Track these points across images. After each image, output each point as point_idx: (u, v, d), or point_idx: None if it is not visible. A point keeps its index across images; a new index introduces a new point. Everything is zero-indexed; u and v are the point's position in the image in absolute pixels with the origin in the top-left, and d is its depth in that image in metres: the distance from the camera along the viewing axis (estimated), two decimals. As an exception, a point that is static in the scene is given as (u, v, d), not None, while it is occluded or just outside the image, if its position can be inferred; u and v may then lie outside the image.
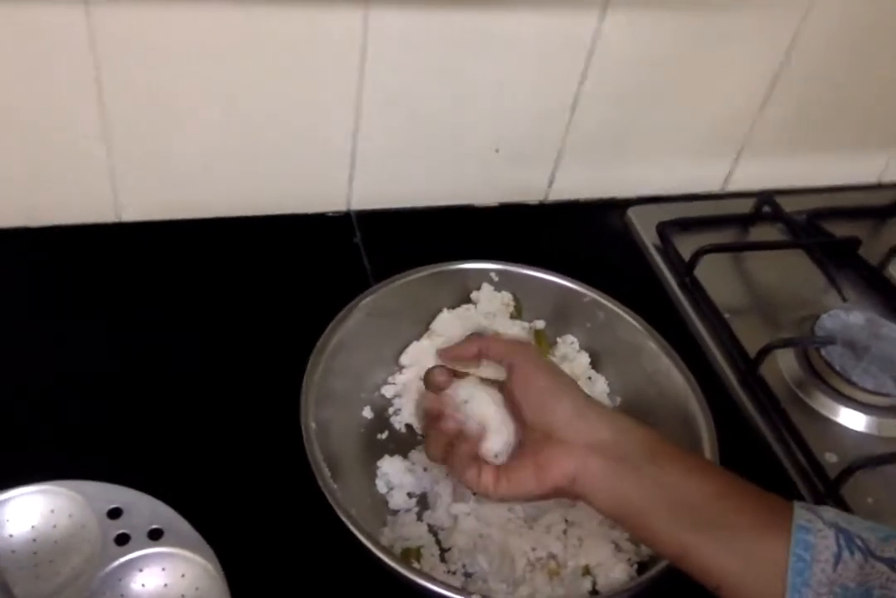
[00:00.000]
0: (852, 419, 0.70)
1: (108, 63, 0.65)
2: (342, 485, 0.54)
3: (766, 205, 0.88)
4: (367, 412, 0.64)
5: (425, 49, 0.72)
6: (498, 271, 0.70)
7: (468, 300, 0.70)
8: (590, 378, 0.69)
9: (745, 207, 0.89)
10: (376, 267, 0.76)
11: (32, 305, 0.68)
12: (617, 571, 0.55)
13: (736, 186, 0.94)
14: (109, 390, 0.63)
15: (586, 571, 0.56)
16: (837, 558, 0.42)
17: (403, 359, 0.67)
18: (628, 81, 0.80)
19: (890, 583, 0.41)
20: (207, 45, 0.66)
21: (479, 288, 0.70)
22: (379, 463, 0.61)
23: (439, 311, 0.69)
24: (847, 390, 0.71)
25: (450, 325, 0.68)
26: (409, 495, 0.60)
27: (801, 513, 0.44)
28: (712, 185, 0.94)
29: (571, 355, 0.70)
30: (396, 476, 0.60)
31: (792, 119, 0.89)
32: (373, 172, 0.80)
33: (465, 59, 0.74)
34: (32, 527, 0.52)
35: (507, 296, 0.71)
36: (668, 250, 0.83)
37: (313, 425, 0.55)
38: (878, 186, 0.99)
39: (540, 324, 0.71)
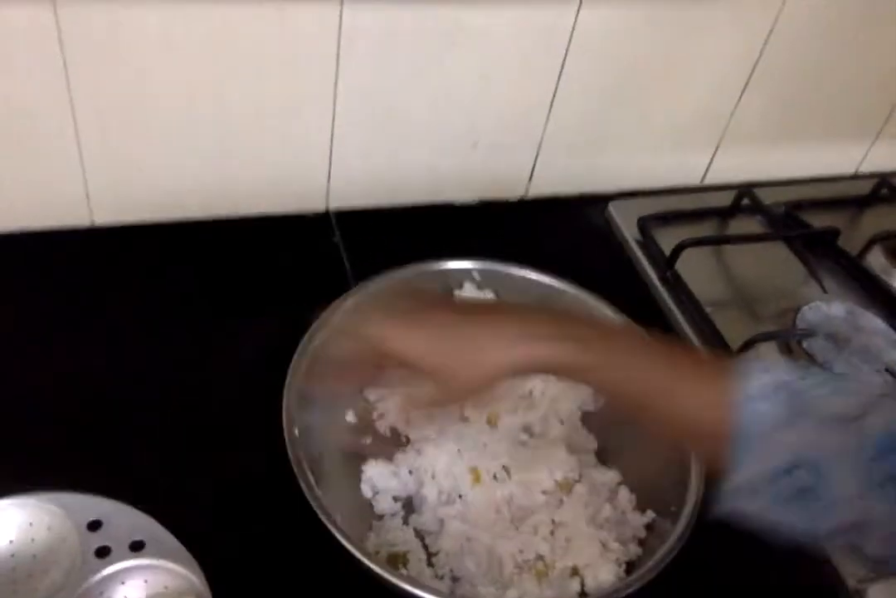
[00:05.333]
0: (835, 411, 0.70)
1: (77, 63, 0.64)
2: (326, 491, 0.53)
3: (746, 197, 0.88)
4: (351, 417, 0.64)
5: (401, 44, 0.71)
6: (480, 270, 0.69)
7: None
8: None
9: (725, 199, 0.89)
10: (356, 267, 0.75)
11: (6, 312, 0.66)
12: (605, 571, 0.55)
13: (715, 178, 0.94)
14: (86, 398, 0.62)
15: (574, 572, 0.56)
16: (788, 423, 0.43)
17: None
18: (606, 75, 0.80)
19: (840, 441, 0.42)
20: (178, 43, 0.65)
21: (461, 287, 0.69)
22: (363, 467, 0.60)
23: None
24: (829, 382, 0.71)
25: None
26: (395, 498, 0.60)
27: (754, 378, 0.44)
28: (692, 178, 0.94)
29: None
30: (381, 480, 0.59)
31: (769, 111, 0.89)
32: (351, 170, 0.79)
33: (441, 55, 0.73)
34: (10, 541, 0.51)
35: (489, 295, 0.70)
36: (648, 245, 0.83)
37: (296, 431, 0.55)
38: (856, 177, 1.00)
39: None
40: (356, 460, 0.61)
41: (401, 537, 0.56)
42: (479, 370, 0.50)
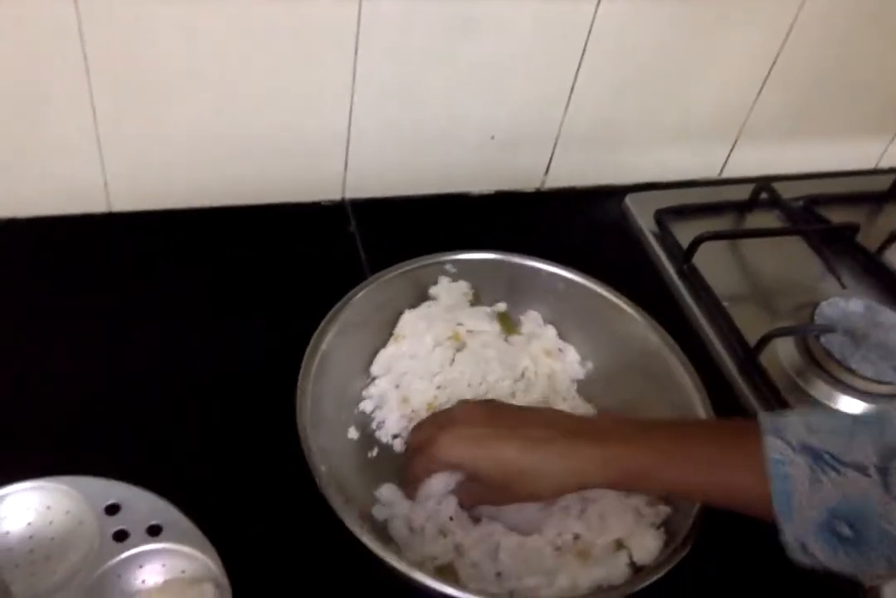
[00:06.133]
0: (852, 407, 0.70)
1: (96, 51, 0.63)
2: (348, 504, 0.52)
3: (764, 191, 0.87)
4: (353, 433, 0.62)
5: (420, 35, 0.71)
6: (453, 262, 0.68)
7: (427, 297, 0.69)
8: (560, 350, 0.69)
9: (743, 193, 0.88)
10: (372, 256, 0.75)
11: (23, 298, 0.67)
12: (648, 538, 0.55)
13: (733, 172, 0.93)
14: (105, 383, 0.62)
15: (619, 545, 0.55)
16: (814, 480, 0.46)
17: (374, 369, 0.65)
18: (625, 68, 0.79)
19: (864, 488, 0.45)
20: (198, 31, 0.65)
21: (436, 282, 0.69)
22: (376, 493, 0.58)
23: (401, 313, 0.67)
24: (847, 378, 0.70)
25: (414, 325, 0.66)
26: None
27: (771, 444, 0.48)
28: (710, 171, 0.93)
29: (538, 331, 0.70)
30: (400, 507, 0.57)
31: (789, 105, 0.88)
32: (368, 159, 0.79)
33: (461, 46, 0.72)
34: (28, 524, 0.51)
35: (464, 285, 0.69)
36: (665, 238, 0.82)
37: (323, 468, 0.53)
38: (875, 172, 0.99)
39: (501, 306, 0.71)
40: (366, 477, 0.59)
41: (440, 547, 0.55)
42: (539, 495, 0.54)
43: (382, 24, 0.69)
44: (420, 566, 0.52)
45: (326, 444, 0.56)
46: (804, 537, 0.46)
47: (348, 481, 0.57)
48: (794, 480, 0.46)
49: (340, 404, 0.62)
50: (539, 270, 0.69)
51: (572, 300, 0.69)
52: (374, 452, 0.62)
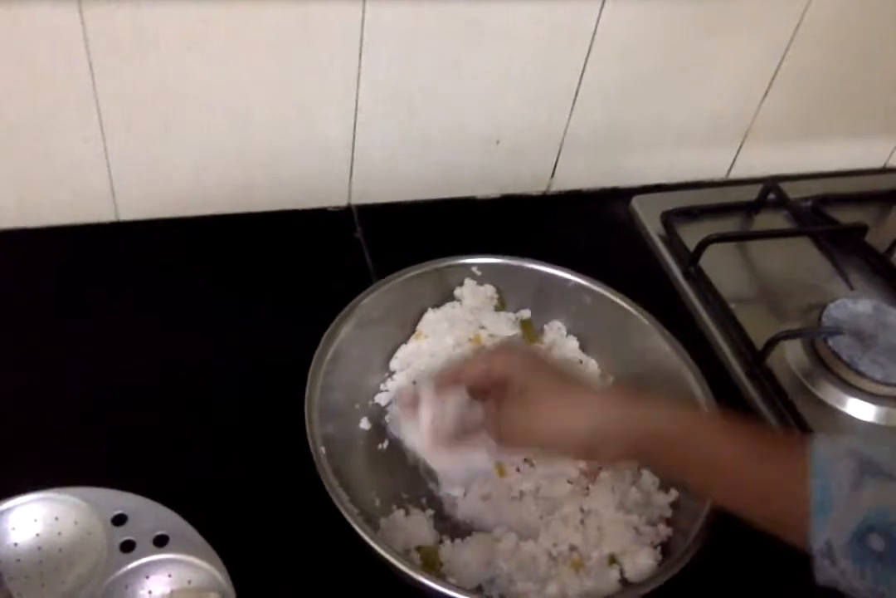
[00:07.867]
0: (860, 410, 0.69)
1: (102, 63, 0.64)
2: (349, 490, 0.53)
3: (771, 192, 0.86)
4: (365, 424, 0.63)
5: (424, 41, 0.71)
6: (480, 265, 0.69)
7: (452, 297, 0.69)
8: (581, 361, 0.69)
9: (750, 194, 0.88)
10: (378, 262, 0.75)
11: (32, 307, 0.67)
12: (642, 556, 0.55)
13: (740, 173, 0.93)
14: (112, 394, 0.62)
15: (612, 560, 0.55)
16: (856, 484, 0.44)
17: (393, 364, 0.66)
18: (630, 70, 0.79)
19: None
20: (201, 42, 0.65)
21: (462, 284, 0.69)
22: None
23: (424, 311, 0.68)
24: (855, 380, 0.70)
25: (436, 324, 0.67)
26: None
27: (820, 443, 0.46)
28: (716, 172, 0.93)
29: (560, 341, 0.70)
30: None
31: (796, 105, 0.88)
32: (373, 165, 0.79)
33: (464, 51, 0.72)
34: (37, 535, 0.52)
35: (490, 289, 0.70)
36: (672, 240, 0.82)
37: (322, 449, 0.54)
38: (884, 171, 0.98)
39: (525, 314, 0.71)
40: (374, 468, 0.60)
41: (432, 539, 0.56)
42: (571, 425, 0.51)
43: (385, 30, 0.69)
44: (406, 552, 0.53)
45: (334, 431, 0.57)
46: (835, 544, 0.44)
47: (353, 468, 0.58)
48: (836, 479, 0.44)
49: (355, 395, 0.63)
50: (567, 281, 0.69)
51: (597, 314, 0.68)
52: (385, 444, 0.63)
